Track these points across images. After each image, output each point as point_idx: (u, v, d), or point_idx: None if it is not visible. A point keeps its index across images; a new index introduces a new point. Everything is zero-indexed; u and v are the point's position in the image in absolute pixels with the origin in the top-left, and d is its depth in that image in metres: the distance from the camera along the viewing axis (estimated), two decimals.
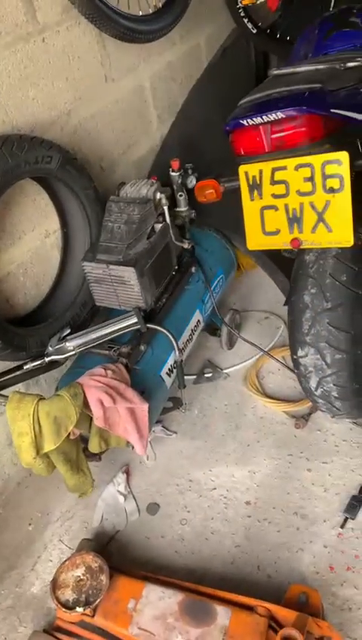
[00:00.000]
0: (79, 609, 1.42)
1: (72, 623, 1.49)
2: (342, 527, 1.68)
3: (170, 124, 2.49)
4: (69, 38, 1.83)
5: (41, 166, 1.60)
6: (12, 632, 1.60)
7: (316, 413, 2.02)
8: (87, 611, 1.43)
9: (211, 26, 2.68)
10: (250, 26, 2.71)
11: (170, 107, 2.48)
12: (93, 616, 1.44)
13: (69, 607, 1.44)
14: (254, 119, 1.29)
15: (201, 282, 2.14)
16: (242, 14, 2.68)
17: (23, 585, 1.71)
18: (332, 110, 1.26)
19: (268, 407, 2.10)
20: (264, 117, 1.27)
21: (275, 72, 1.47)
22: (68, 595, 1.47)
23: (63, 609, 1.43)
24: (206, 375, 2.29)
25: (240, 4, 2.63)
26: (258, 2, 2.58)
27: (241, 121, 1.32)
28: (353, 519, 1.69)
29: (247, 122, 1.31)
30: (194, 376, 2.29)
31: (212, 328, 2.38)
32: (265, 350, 2.22)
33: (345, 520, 1.69)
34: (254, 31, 2.74)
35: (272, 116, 1.26)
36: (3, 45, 1.59)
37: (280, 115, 1.25)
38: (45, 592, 1.66)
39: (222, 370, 2.31)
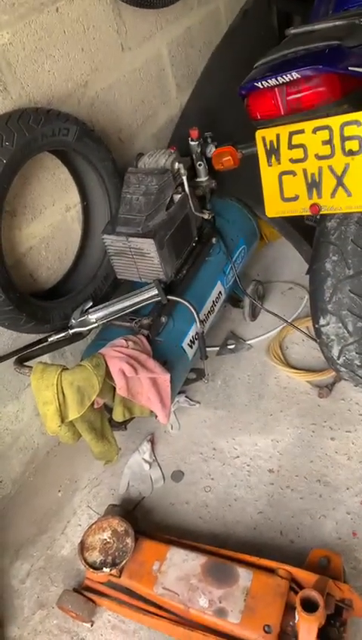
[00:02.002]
0: (106, 569, 1.48)
1: (100, 582, 1.55)
2: None
3: (190, 93, 2.45)
4: (83, 7, 1.81)
5: (59, 139, 1.60)
6: (44, 591, 1.68)
7: (340, 382, 2.01)
8: (114, 572, 1.48)
9: None
10: None
11: (189, 75, 2.44)
12: (119, 576, 1.50)
13: (96, 567, 1.49)
14: (269, 81, 1.26)
15: (223, 253, 2.12)
16: None
17: (53, 547, 1.79)
18: (350, 68, 1.21)
19: (292, 377, 2.10)
20: (279, 78, 1.24)
21: (293, 31, 1.42)
22: (95, 556, 1.52)
23: (91, 569, 1.49)
24: (229, 347, 2.30)
25: None
26: None
27: (256, 84, 1.28)
28: None
29: (262, 84, 1.27)
30: (217, 348, 2.30)
31: (234, 300, 2.38)
32: (289, 321, 2.20)
33: None
34: None
35: (287, 77, 1.23)
36: (17, 17, 1.59)
37: (295, 75, 1.22)
38: (75, 554, 1.73)
39: (245, 341, 2.31)
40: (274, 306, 2.35)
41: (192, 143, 1.99)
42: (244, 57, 2.52)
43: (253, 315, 2.36)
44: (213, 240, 2.09)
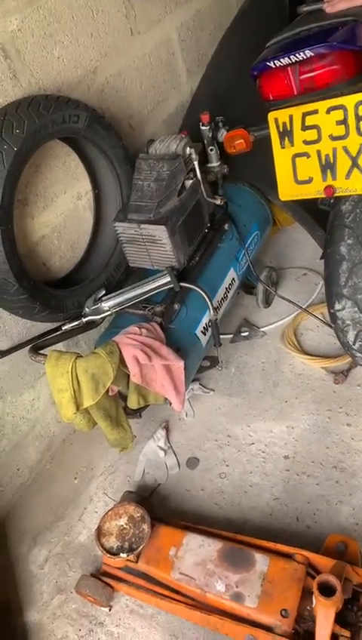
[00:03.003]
0: (123, 555, 1.49)
1: (117, 568, 1.56)
2: None
3: (200, 78, 2.41)
4: None
5: (69, 126, 1.59)
6: (62, 576, 1.70)
7: (356, 368, 1.98)
8: (131, 557, 1.50)
9: None
10: None
11: (199, 59, 2.41)
12: (136, 562, 1.51)
13: (113, 553, 1.51)
14: (281, 60, 1.23)
15: (235, 239, 2.10)
16: None
17: (71, 534, 1.81)
18: None
19: (307, 364, 2.08)
20: (291, 57, 1.21)
21: (305, 8, 1.39)
22: (112, 542, 1.54)
23: (108, 555, 1.50)
24: (243, 334, 2.29)
25: None
26: None
27: (268, 63, 1.26)
28: None
29: (274, 64, 1.25)
30: (231, 335, 2.29)
31: (248, 286, 2.36)
32: (303, 307, 2.18)
33: None
34: None
35: (300, 55, 1.20)
36: (26, 2, 1.57)
37: (308, 53, 1.19)
38: (92, 540, 1.75)
39: (258, 328, 2.29)
40: (288, 293, 2.32)
41: (203, 127, 1.96)
42: (256, 39, 2.47)
43: (267, 302, 2.34)
44: (226, 226, 2.07)
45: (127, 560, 1.51)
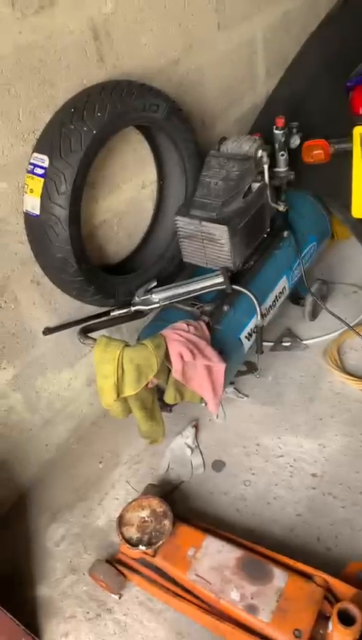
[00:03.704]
0: (142, 547, 1.49)
1: (133, 559, 1.57)
2: None
3: (278, 80, 2.38)
4: None
5: (148, 114, 1.59)
6: (77, 557, 1.72)
7: None
8: (149, 551, 1.50)
9: None
10: None
11: (280, 61, 2.37)
12: (153, 556, 1.51)
13: (132, 543, 1.51)
14: None
15: (292, 248, 2.07)
16: None
17: (90, 517, 1.82)
18: None
19: (346, 383, 2.04)
20: None
21: None
22: (132, 532, 1.54)
23: (127, 545, 1.51)
24: (284, 344, 2.26)
25: None
26: None
27: None
28: None
29: None
30: (272, 344, 2.26)
31: (296, 297, 2.32)
32: (350, 325, 2.14)
33: None
34: None
35: None
36: None
37: None
38: (110, 526, 1.76)
39: (301, 340, 2.26)
40: (336, 309, 2.27)
41: (277, 131, 1.93)
42: (339, 48, 2.43)
43: (314, 315, 2.31)
44: (285, 233, 2.05)
45: (145, 553, 1.51)
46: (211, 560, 1.47)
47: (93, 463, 1.98)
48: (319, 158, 1.50)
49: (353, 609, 1.21)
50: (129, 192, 1.86)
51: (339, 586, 1.36)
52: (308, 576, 1.40)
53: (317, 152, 1.49)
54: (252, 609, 1.36)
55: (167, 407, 1.88)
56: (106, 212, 1.80)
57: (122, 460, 1.97)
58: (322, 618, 1.32)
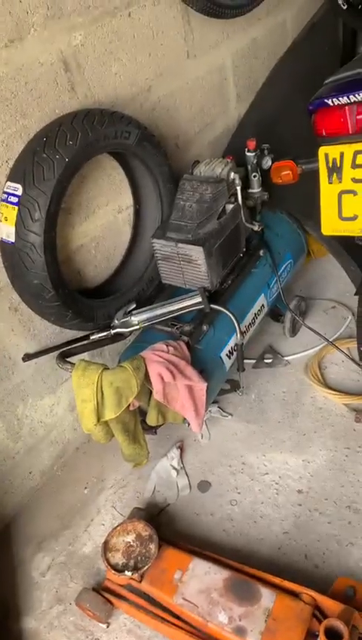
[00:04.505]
0: (128, 573, 1.47)
1: (120, 585, 1.55)
2: None
3: (249, 104, 2.44)
4: (155, 13, 1.83)
5: (120, 141, 1.62)
6: (63, 586, 1.69)
7: None
8: (135, 576, 1.48)
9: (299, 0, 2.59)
10: (340, 1, 2.59)
11: (250, 86, 2.44)
12: (140, 581, 1.49)
13: (118, 569, 1.49)
14: (340, 99, 1.24)
15: (269, 266, 2.11)
16: None
17: (75, 544, 1.80)
18: None
19: (328, 398, 2.06)
20: (351, 97, 1.22)
21: None
22: (118, 558, 1.52)
23: (113, 571, 1.49)
24: (266, 360, 2.27)
25: None
26: None
27: (326, 101, 1.27)
28: None
29: (332, 102, 1.26)
30: (254, 361, 2.28)
31: (275, 314, 2.35)
32: (330, 340, 2.16)
33: None
34: (344, 6, 2.61)
35: (360, 96, 1.21)
36: (91, 20, 1.62)
37: None
38: (96, 553, 1.74)
39: (282, 357, 2.28)
40: (316, 324, 2.31)
41: (249, 153, 1.98)
42: (306, 72, 2.51)
43: (293, 331, 2.33)
44: (261, 252, 2.08)
45: (131, 578, 1.49)
46: (198, 582, 1.46)
47: (78, 489, 1.96)
48: (288, 179, 1.54)
49: (339, 625, 1.20)
50: (105, 216, 1.88)
51: (327, 603, 1.35)
52: (295, 595, 1.39)
53: (285, 172, 1.52)
54: (240, 631, 1.34)
55: (151, 429, 1.87)
56: (83, 237, 1.82)
57: (107, 484, 1.96)
58: (311, 636, 1.31)
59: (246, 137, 1.98)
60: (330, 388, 2.09)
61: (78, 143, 1.47)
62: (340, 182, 1.37)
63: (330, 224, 1.44)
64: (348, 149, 1.32)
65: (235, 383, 2.16)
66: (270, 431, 2.01)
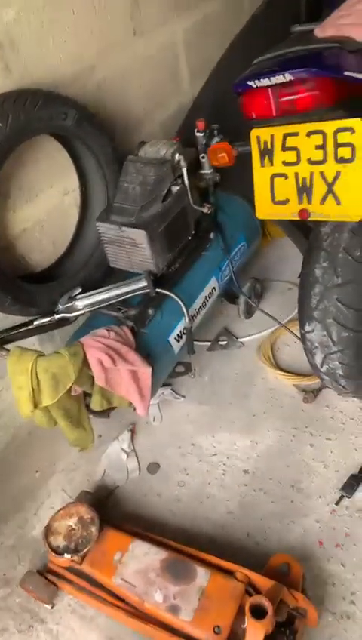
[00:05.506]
0: (67, 555, 1.50)
1: (63, 567, 1.57)
2: (337, 504, 1.67)
3: (203, 83, 2.40)
4: None
5: (56, 123, 1.59)
6: (11, 569, 1.71)
7: (325, 389, 1.98)
8: (76, 558, 1.50)
9: None
10: None
11: (204, 65, 2.39)
12: (81, 563, 1.52)
13: (58, 552, 1.51)
14: (261, 81, 1.22)
15: (221, 249, 2.10)
16: None
17: (25, 527, 1.82)
18: (346, 73, 1.17)
19: (279, 379, 2.08)
20: (271, 78, 1.20)
21: (298, 28, 1.38)
22: (59, 541, 1.54)
23: (53, 554, 1.51)
24: (220, 343, 2.29)
25: None
26: None
27: (249, 83, 1.25)
28: (349, 497, 1.67)
29: (255, 84, 1.24)
30: (209, 343, 2.29)
31: (231, 296, 2.35)
32: (282, 322, 2.17)
33: (341, 497, 1.68)
34: None
35: (280, 78, 1.19)
36: None
37: (288, 76, 1.18)
38: None
39: (237, 338, 2.29)
40: (272, 306, 2.32)
41: (198, 134, 1.95)
42: (266, 47, 2.46)
43: (248, 313, 2.34)
44: (211, 235, 2.07)
45: (72, 561, 1.52)
46: (137, 563, 1.48)
47: (29, 473, 1.97)
48: (224, 162, 1.53)
49: (264, 602, 1.23)
50: (50, 199, 1.85)
51: (259, 580, 1.39)
52: (230, 573, 1.43)
53: (221, 155, 1.51)
54: (174, 609, 1.37)
55: (102, 413, 1.88)
56: (25, 221, 1.79)
57: (58, 468, 1.97)
58: (242, 613, 1.34)
59: (200, 117, 1.95)
60: (281, 369, 2.11)
61: (8, 125, 1.43)
62: (272, 165, 1.36)
63: (264, 208, 1.43)
64: (278, 132, 1.31)
65: (189, 365, 2.17)
66: (221, 412, 2.03)
